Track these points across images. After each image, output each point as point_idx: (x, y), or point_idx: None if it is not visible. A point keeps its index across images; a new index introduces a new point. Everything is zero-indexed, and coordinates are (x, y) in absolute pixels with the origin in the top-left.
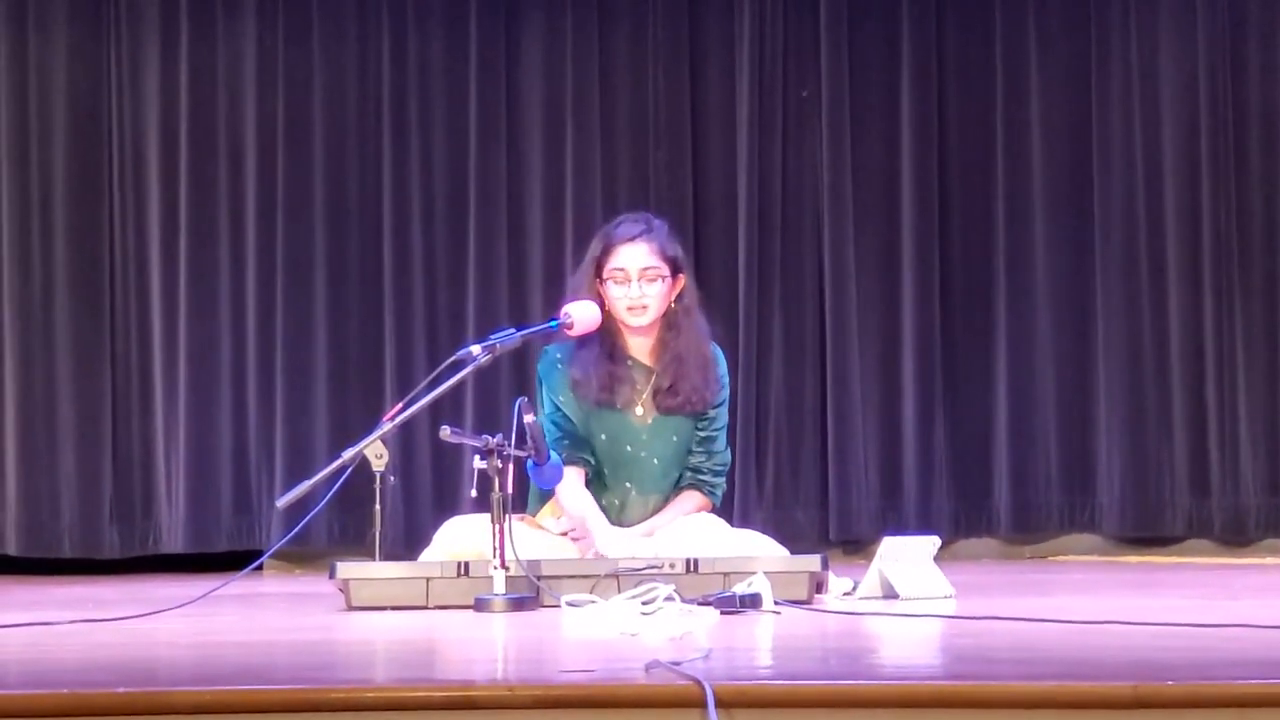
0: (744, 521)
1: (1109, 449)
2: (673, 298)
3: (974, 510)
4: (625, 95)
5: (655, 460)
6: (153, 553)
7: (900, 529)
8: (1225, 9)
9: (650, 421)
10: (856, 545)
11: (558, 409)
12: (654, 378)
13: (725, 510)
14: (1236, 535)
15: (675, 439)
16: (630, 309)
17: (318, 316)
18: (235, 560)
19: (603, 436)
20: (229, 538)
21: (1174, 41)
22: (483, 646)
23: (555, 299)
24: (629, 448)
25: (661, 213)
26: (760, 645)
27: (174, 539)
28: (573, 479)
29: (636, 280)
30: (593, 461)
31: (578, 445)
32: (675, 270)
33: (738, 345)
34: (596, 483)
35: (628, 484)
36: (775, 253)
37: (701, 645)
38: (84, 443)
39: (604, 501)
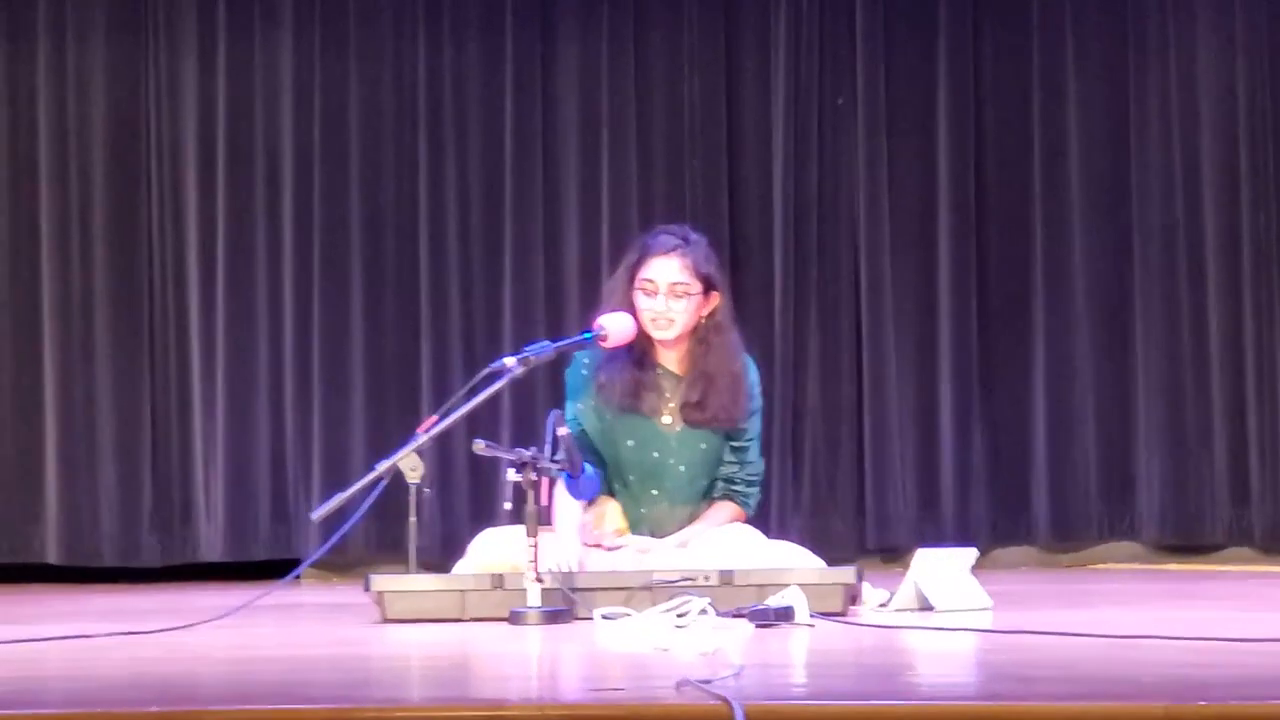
0: (781, 529)
1: (1148, 457)
2: (703, 314)
3: (1012, 518)
4: (661, 105)
5: (682, 468)
6: (191, 561)
7: (938, 537)
8: (1264, 19)
9: (678, 429)
10: (894, 553)
11: (575, 418)
12: (682, 388)
13: (762, 519)
14: (1277, 543)
15: (704, 447)
16: (655, 321)
17: (354, 327)
18: (273, 568)
19: (630, 442)
20: (267, 546)
21: (1212, 51)
22: (516, 662)
23: (591, 310)
24: (656, 454)
25: (697, 222)
26: (793, 661)
27: (212, 548)
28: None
29: (664, 295)
30: (602, 473)
31: (590, 456)
32: (708, 287)
33: (774, 354)
34: (623, 491)
35: (655, 492)
36: (811, 262)
37: (733, 662)
38: (123, 452)
39: (633, 512)
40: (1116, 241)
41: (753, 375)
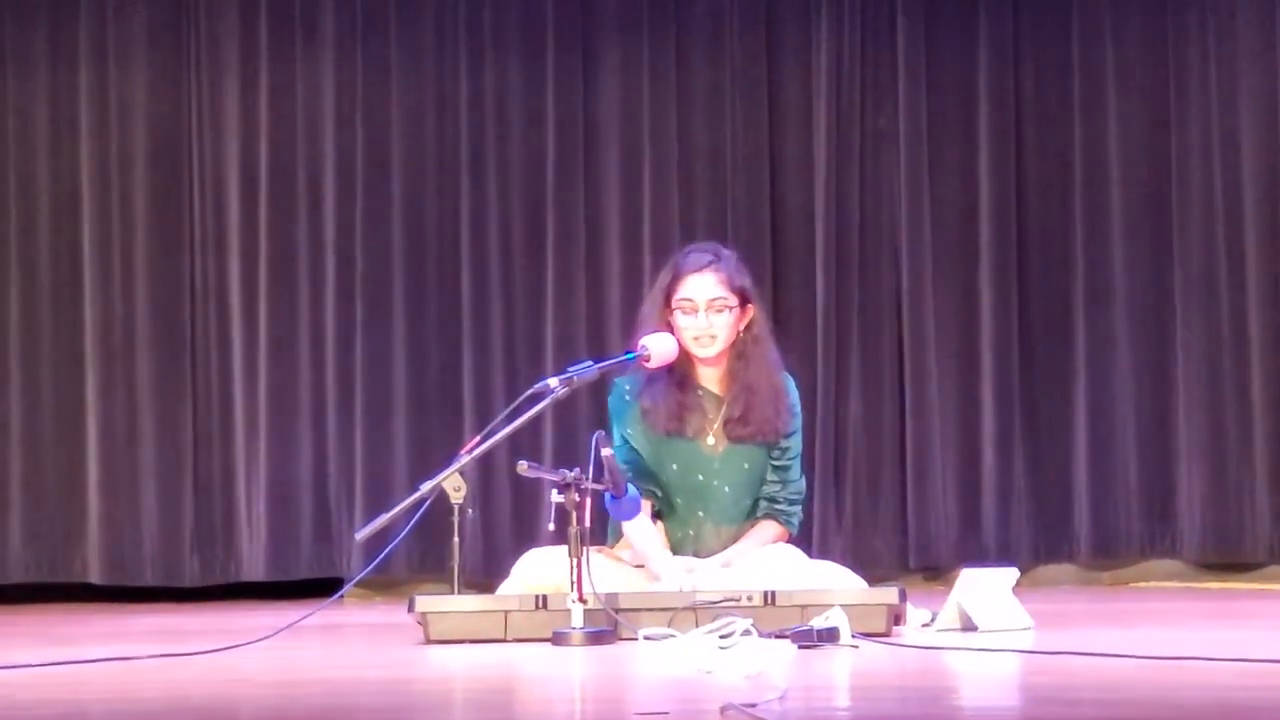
0: (823, 549)
1: (1189, 475)
2: (741, 327)
3: (1054, 537)
4: (702, 127)
5: (727, 489)
6: (233, 581)
7: (980, 556)
8: None
9: (721, 450)
10: (936, 572)
11: (625, 441)
12: (724, 407)
13: (804, 538)
14: None
15: (747, 467)
16: (697, 339)
17: (397, 348)
18: (315, 587)
19: (674, 466)
20: (309, 566)
21: (1253, 68)
22: (560, 685)
23: (633, 329)
24: (700, 476)
25: (739, 244)
26: (837, 683)
27: (254, 567)
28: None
29: (704, 311)
30: (659, 494)
31: (644, 478)
32: (744, 300)
33: (816, 374)
34: (669, 513)
35: (700, 513)
36: (853, 282)
37: (777, 685)
38: (165, 471)
39: (678, 533)
40: (1157, 260)
41: (793, 392)
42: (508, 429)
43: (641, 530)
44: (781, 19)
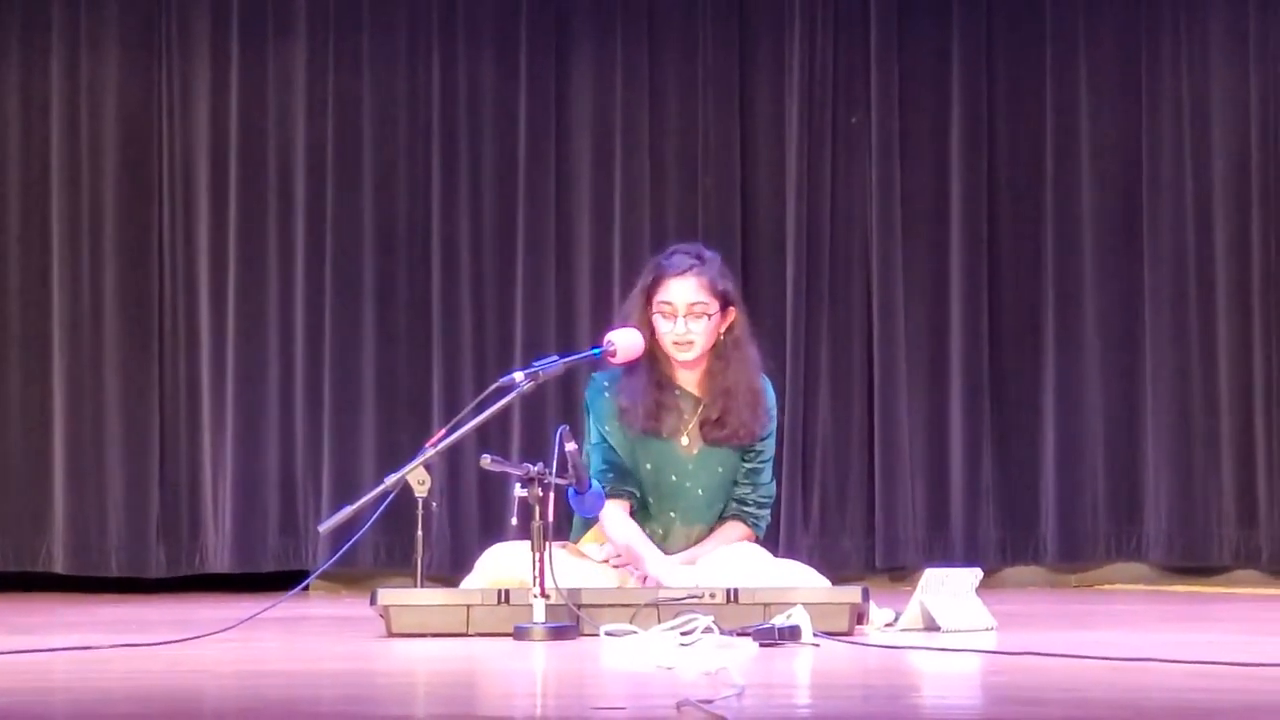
0: (790, 548)
1: (1156, 478)
2: (722, 330)
3: (1021, 538)
4: (674, 122)
5: (700, 490)
6: (199, 573)
7: (947, 557)
8: (1277, 40)
9: (696, 452)
10: (903, 573)
11: (603, 438)
12: (701, 408)
13: (771, 537)
14: None
15: (721, 470)
16: (676, 344)
17: (366, 340)
18: (281, 580)
19: (648, 465)
20: (275, 558)
21: (1225, 74)
22: (520, 680)
23: (603, 325)
24: (674, 477)
25: (709, 240)
26: (798, 681)
27: (220, 559)
28: (618, 511)
29: (683, 316)
30: (638, 494)
31: (623, 477)
32: (725, 304)
33: (785, 373)
34: (641, 512)
35: (672, 513)
36: (823, 280)
37: (735, 682)
38: (132, 463)
39: (647, 530)
40: (1127, 264)
41: (771, 395)
42: (473, 423)
43: (623, 527)
44: (754, 17)
